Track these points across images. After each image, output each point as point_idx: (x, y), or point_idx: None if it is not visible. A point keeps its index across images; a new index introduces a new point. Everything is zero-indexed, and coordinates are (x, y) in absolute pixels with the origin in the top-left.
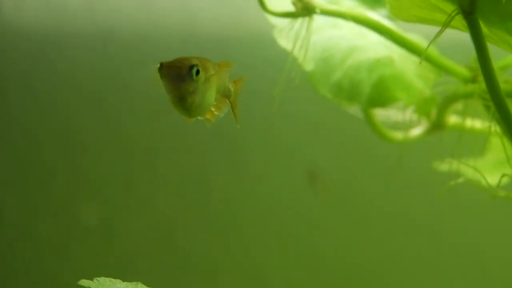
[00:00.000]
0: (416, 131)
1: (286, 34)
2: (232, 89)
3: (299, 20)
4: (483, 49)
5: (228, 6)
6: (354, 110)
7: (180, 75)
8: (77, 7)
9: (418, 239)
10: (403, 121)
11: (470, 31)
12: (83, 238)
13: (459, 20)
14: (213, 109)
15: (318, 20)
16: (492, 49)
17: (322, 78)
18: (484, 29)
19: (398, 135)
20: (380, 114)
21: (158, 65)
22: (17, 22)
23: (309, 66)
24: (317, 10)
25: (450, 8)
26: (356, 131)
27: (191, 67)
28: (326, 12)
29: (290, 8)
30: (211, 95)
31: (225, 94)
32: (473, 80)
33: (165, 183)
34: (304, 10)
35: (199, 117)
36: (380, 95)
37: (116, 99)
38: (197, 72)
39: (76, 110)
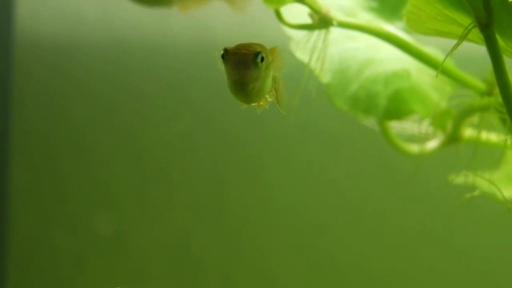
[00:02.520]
0: (432, 144)
1: (303, 46)
2: (277, 76)
3: (316, 32)
4: (500, 62)
5: (243, 17)
6: (370, 122)
7: (246, 62)
8: (92, 17)
9: (433, 251)
10: (419, 134)
11: (487, 44)
12: (98, 248)
13: (476, 33)
14: (267, 96)
15: (335, 32)
16: (509, 62)
17: (339, 90)
18: (501, 42)
19: (414, 148)
20: (396, 126)
21: (222, 51)
22: (33, 32)
23: (325, 78)
24: (334, 23)
25: (466, 21)
26: (372, 143)
27: (257, 54)
28: (343, 25)
29: (307, 20)
30: (269, 81)
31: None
32: (489, 93)
33: (179, 192)
34: (321, 22)
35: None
36: (397, 107)
37: (131, 109)
38: (262, 59)
39: (90, 120)
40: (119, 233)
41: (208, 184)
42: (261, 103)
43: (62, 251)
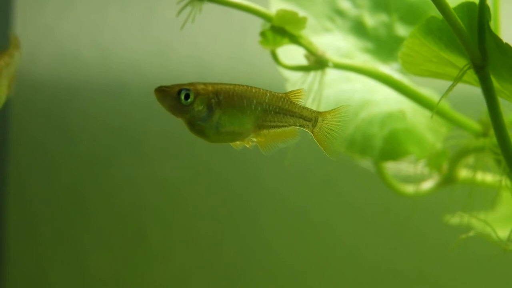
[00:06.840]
0: (428, 185)
1: (299, 88)
2: (312, 120)
3: (312, 74)
4: (494, 103)
5: (240, 60)
6: (366, 163)
7: (164, 99)
8: (90, 61)
9: None
10: (414, 175)
11: (482, 85)
12: None
13: (471, 74)
14: (253, 138)
15: (331, 73)
16: (503, 104)
17: None
18: (496, 83)
19: (410, 189)
20: (392, 167)
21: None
22: (30, 76)
23: None
24: (330, 64)
25: (462, 62)
26: (368, 184)
27: (179, 91)
28: (339, 66)
29: (303, 62)
30: (233, 121)
31: (298, 124)
32: (484, 134)
33: (176, 235)
34: (317, 64)
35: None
36: (392, 148)
37: (128, 153)
38: (187, 97)
39: (88, 160)
40: (117, 275)
41: (206, 229)
42: (245, 144)
43: None
